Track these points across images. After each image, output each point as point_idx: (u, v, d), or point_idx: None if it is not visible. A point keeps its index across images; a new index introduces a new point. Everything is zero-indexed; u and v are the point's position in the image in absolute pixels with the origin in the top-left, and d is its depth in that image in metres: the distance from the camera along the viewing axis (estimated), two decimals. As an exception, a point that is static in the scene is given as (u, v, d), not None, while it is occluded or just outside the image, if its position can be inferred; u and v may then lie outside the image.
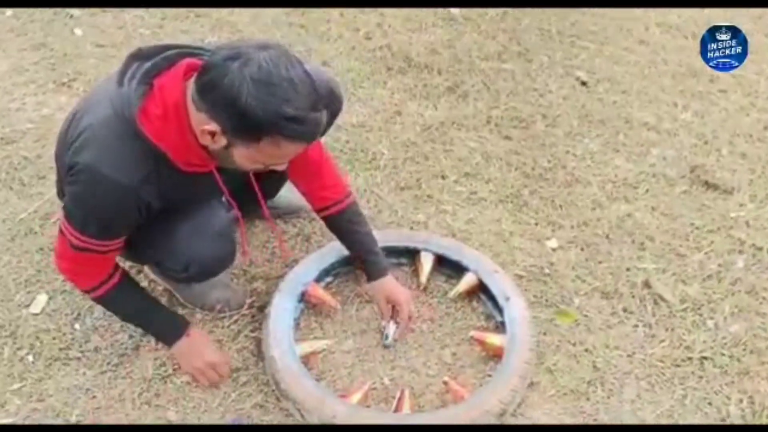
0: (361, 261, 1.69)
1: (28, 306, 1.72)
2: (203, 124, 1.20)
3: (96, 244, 1.35)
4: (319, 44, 2.67)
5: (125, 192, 1.28)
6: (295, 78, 1.16)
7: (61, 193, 1.54)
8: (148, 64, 1.26)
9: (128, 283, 1.54)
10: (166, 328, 1.58)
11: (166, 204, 1.37)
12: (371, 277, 1.67)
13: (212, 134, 1.21)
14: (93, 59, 2.55)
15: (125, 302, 1.53)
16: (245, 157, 1.25)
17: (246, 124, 1.17)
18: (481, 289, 1.74)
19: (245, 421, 1.51)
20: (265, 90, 1.13)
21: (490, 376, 1.60)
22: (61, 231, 1.38)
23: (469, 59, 2.61)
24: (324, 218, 1.66)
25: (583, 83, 2.55)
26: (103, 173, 1.26)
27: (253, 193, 1.50)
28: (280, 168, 1.31)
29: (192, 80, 1.22)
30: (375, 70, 2.55)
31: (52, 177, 2.05)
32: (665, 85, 2.55)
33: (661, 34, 2.85)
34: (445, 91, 2.47)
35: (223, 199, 1.48)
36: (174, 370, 1.61)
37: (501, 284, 1.70)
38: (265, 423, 1.52)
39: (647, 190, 2.11)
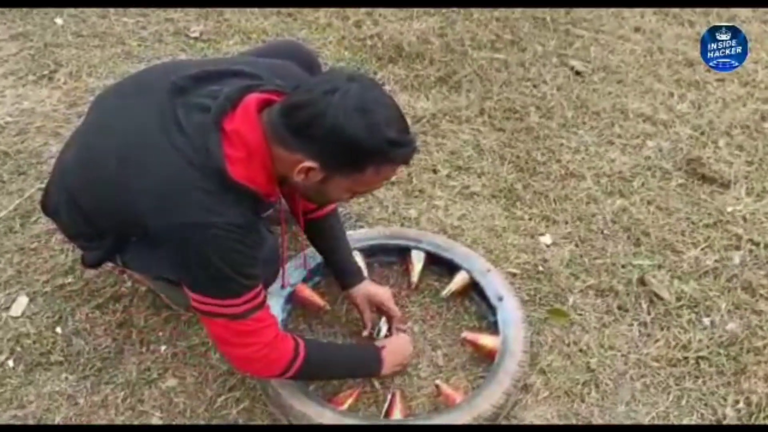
0: (337, 268, 1.64)
1: (7, 309, 1.67)
2: (297, 162, 1.18)
3: (253, 295, 1.26)
4: (308, 33, 2.61)
5: (249, 229, 1.23)
6: (389, 103, 1.19)
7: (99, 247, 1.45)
8: (213, 108, 1.20)
9: (313, 340, 1.56)
10: (368, 359, 1.52)
11: None
12: (351, 283, 1.62)
13: (308, 170, 1.19)
14: (75, 50, 2.48)
15: (326, 357, 1.45)
16: (343, 188, 1.25)
17: (352, 155, 1.17)
18: (473, 289, 1.70)
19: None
20: (368, 119, 1.14)
21: (482, 378, 1.57)
22: (209, 317, 1.27)
23: (462, 48, 2.56)
24: (310, 221, 1.59)
25: (578, 73, 2.49)
26: (219, 223, 1.18)
27: None
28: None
29: (271, 119, 1.20)
30: (365, 60, 2.49)
31: (33, 173, 2.01)
32: (661, 75, 2.50)
33: (657, 21, 2.80)
34: (436, 81, 2.42)
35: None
36: (159, 374, 1.56)
37: (494, 283, 1.66)
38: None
39: (643, 184, 2.07)
